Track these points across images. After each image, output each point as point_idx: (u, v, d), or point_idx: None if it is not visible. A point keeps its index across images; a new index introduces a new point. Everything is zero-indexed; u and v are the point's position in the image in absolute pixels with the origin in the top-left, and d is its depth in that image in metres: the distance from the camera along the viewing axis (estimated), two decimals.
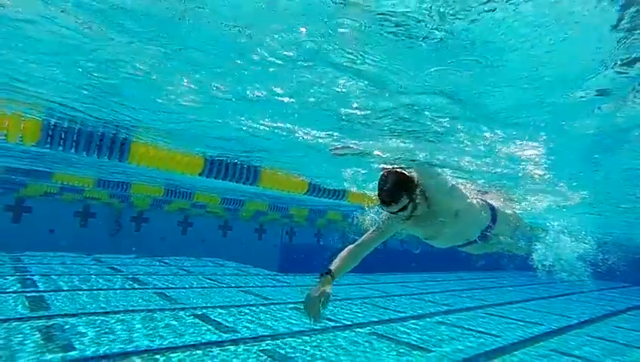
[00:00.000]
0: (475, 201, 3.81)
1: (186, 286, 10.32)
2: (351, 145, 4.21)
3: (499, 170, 4.60)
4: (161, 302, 7.96)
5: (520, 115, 3.03)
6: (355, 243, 3.25)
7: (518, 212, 6.15)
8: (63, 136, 4.33)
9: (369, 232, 3.29)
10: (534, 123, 3.18)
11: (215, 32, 2.22)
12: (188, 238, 19.65)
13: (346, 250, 3.20)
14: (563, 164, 4.35)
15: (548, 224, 7.45)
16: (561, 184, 5.27)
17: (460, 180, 5.04)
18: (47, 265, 12.02)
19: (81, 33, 2.38)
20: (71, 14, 2.19)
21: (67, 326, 5.72)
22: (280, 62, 2.51)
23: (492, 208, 3.89)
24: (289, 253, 16.70)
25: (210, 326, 6.36)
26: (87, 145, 4.47)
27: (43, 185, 11.69)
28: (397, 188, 2.97)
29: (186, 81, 3.02)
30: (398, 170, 3.39)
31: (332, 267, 3.03)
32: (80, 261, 13.80)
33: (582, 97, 2.62)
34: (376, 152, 4.33)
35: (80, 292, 8.26)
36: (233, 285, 11.07)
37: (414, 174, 3.29)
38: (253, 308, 8.05)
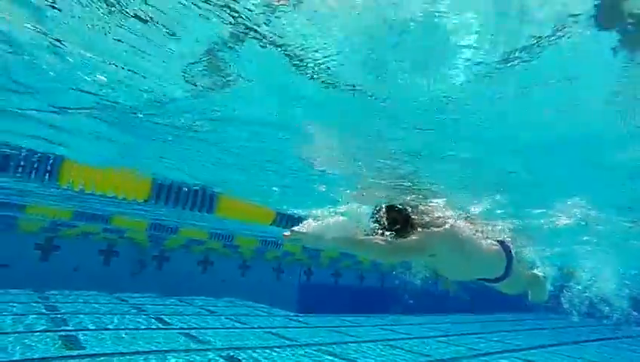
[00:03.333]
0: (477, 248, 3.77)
1: (210, 326, 10.40)
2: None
3: None
4: (189, 343, 8.07)
5: None
6: (392, 242, 3.15)
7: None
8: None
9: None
10: None
11: None
12: (208, 278, 19.78)
13: (379, 238, 3.11)
14: None
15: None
16: None
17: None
18: (73, 304, 12.28)
19: None
20: None
21: None
22: None
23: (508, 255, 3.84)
24: (307, 292, 16.68)
25: None
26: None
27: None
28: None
29: None
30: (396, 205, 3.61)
31: (345, 235, 2.99)
32: (103, 299, 14.02)
33: None
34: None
35: (106, 332, 8.44)
36: (256, 326, 11.10)
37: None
38: (279, 350, 8.09)
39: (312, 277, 22.29)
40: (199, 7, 1.94)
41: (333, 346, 9.01)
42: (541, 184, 3.88)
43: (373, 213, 3.55)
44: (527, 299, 4.46)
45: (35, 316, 9.33)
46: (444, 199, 4.17)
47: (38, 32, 2.30)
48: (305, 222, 3.02)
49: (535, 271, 4.46)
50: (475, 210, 4.46)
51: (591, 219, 4.52)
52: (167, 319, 10.93)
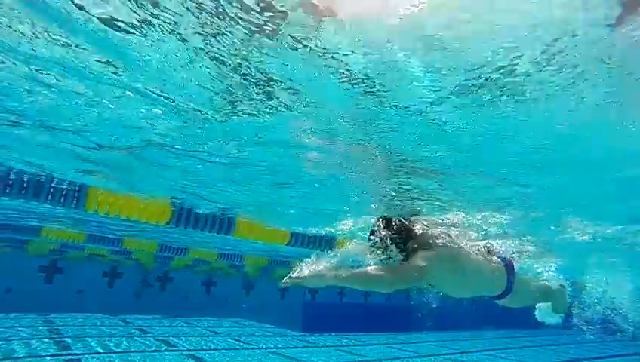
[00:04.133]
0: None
1: (216, 347, 10.28)
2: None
3: None
4: None
5: None
6: (392, 269, 3.11)
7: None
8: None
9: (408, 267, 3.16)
10: None
11: None
12: (211, 298, 19.61)
13: (373, 269, 3.04)
14: None
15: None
16: None
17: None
18: (79, 327, 12.16)
19: None
20: None
21: None
22: None
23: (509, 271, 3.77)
24: (312, 312, 16.49)
25: None
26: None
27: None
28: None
29: None
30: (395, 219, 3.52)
31: (343, 270, 2.93)
32: (109, 322, 13.89)
33: None
34: None
35: (114, 356, 8.35)
36: (262, 346, 10.96)
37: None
38: None
39: (316, 296, 22.07)
40: None
41: None
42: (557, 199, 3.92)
43: (372, 230, 3.47)
44: (536, 313, 4.41)
45: (38, 340, 9.24)
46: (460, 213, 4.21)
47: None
48: (300, 265, 2.98)
49: (548, 282, 4.41)
50: (489, 223, 4.48)
51: (607, 234, 4.56)
52: (173, 341, 10.81)
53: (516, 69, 2.02)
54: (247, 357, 9.32)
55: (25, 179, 4.55)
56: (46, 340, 9.36)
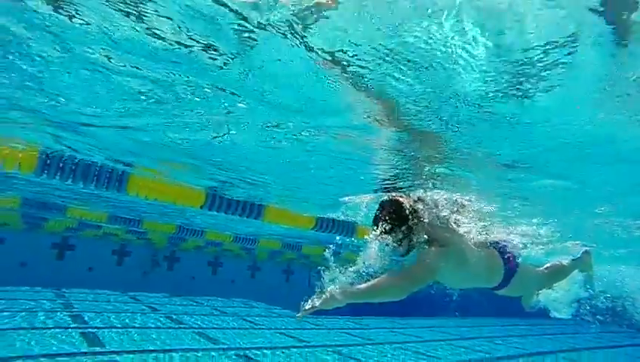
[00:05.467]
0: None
1: (223, 326, 10.55)
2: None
3: None
4: (204, 342, 8.21)
5: None
6: (402, 275, 3.01)
7: None
8: None
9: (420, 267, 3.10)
10: None
11: None
12: (218, 278, 19.94)
13: (383, 279, 2.94)
14: None
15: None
16: None
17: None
18: (91, 302, 12.49)
19: None
20: None
21: None
22: None
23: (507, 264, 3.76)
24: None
25: None
26: None
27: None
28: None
29: None
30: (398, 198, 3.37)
31: (353, 289, 2.88)
32: (119, 298, 14.22)
33: None
34: None
35: (132, 330, 8.60)
36: (271, 327, 11.23)
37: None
38: (294, 350, 8.21)
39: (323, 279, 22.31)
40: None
41: (349, 348, 9.11)
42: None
43: (377, 215, 3.29)
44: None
45: (53, 313, 9.53)
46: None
47: None
48: (311, 298, 2.95)
49: (561, 261, 4.44)
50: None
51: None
52: (180, 318, 11.09)
53: None
54: (253, 335, 9.56)
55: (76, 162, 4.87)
56: (65, 313, 9.66)
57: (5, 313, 8.71)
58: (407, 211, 3.22)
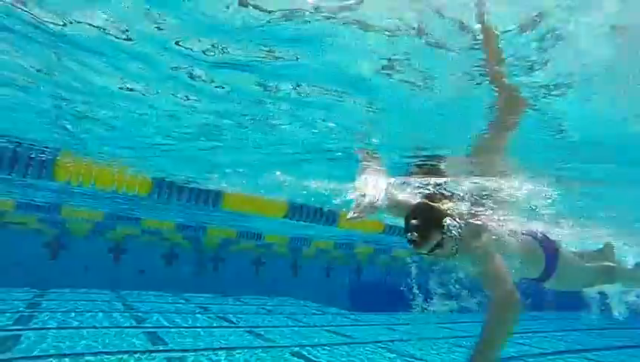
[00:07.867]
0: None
1: (273, 325, 11.00)
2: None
3: None
4: (257, 341, 8.64)
5: None
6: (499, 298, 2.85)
7: None
8: None
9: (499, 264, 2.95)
10: None
11: None
12: (260, 278, 20.51)
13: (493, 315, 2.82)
14: None
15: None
16: None
17: None
18: (144, 302, 13.30)
19: None
20: None
21: None
22: None
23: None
24: (359, 290, 17.01)
25: None
26: None
27: None
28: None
29: None
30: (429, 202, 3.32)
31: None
32: (170, 299, 15.01)
33: None
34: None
35: (186, 330, 9.18)
36: (318, 324, 11.59)
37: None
38: (345, 347, 8.50)
39: (362, 276, 22.53)
40: None
41: (390, 343, 9.31)
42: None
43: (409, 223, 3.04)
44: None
45: (116, 314, 10.29)
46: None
47: None
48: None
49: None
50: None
51: None
52: (231, 317, 11.64)
53: None
54: (303, 333, 9.93)
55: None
56: (125, 314, 10.39)
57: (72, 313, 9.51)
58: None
